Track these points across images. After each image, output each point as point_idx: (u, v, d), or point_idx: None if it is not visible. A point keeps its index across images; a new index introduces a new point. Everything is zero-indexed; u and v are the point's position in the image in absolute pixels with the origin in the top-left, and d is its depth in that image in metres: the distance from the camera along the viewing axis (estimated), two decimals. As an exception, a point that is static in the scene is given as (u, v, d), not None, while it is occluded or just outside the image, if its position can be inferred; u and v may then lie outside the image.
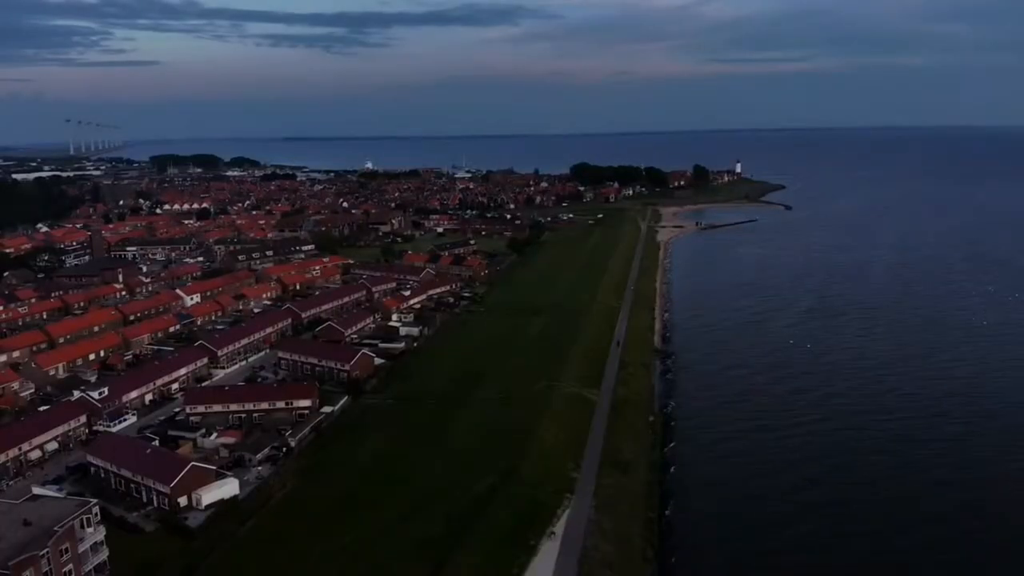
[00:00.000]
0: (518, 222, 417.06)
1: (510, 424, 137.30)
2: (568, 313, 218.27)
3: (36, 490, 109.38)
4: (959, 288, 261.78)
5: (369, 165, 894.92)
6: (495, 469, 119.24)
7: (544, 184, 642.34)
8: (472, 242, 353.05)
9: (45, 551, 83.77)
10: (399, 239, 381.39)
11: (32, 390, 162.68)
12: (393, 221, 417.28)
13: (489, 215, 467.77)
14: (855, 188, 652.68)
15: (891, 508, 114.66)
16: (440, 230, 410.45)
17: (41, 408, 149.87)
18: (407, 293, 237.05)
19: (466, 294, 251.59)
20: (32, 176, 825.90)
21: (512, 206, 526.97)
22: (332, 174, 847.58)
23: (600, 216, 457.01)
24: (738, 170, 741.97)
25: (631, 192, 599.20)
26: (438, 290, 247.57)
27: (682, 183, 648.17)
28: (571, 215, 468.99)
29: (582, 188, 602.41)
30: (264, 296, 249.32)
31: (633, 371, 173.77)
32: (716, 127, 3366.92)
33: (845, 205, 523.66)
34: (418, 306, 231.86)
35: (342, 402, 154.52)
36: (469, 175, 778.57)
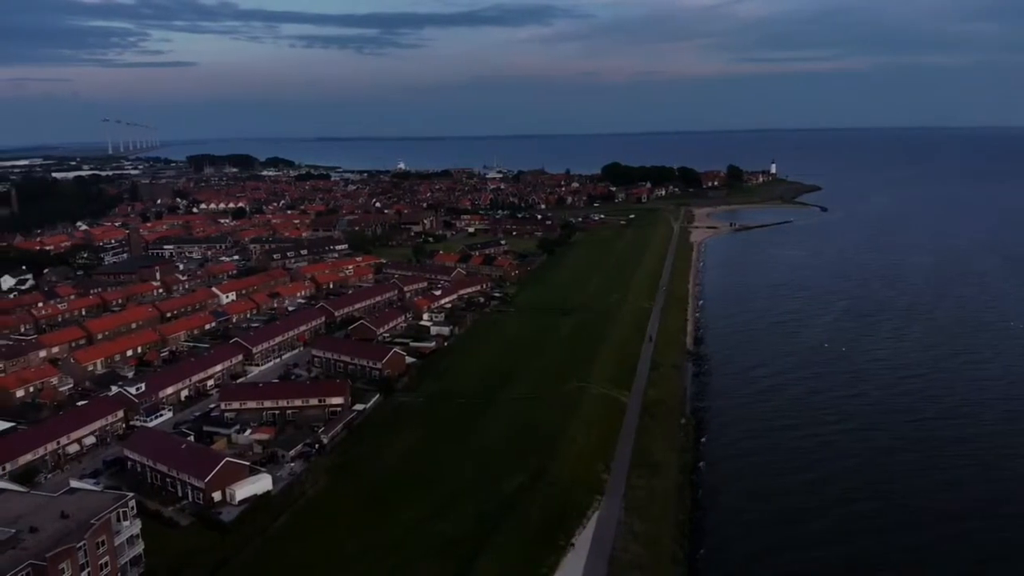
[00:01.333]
0: (549, 222, 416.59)
1: (540, 424, 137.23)
2: (599, 314, 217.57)
3: (74, 483, 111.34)
4: (996, 290, 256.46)
5: (402, 165, 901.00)
6: (525, 469, 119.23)
7: (575, 184, 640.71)
8: (503, 242, 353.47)
9: (82, 543, 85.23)
10: (431, 239, 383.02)
11: (71, 385, 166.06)
12: (425, 221, 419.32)
13: (520, 215, 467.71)
14: (890, 189, 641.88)
15: (928, 514, 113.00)
16: (471, 230, 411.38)
17: (79, 403, 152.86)
18: (438, 292, 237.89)
19: (496, 294, 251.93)
20: (72, 175, 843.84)
21: (543, 206, 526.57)
22: (365, 174, 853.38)
23: (632, 216, 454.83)
24: (773, 170, 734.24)
25: (663, 192, 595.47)
26: (469, 290, 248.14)
27: (716, 183, 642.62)
28: (602, 215, 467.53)
29: (614, 188, 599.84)
30: (298, 294, 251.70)
31: (664, 372, 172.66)
32: (748, 127, 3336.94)
33: (881, 206, 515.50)
34: (449, 305, 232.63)
35: (374, 400, 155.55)
36: (500, 175, 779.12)
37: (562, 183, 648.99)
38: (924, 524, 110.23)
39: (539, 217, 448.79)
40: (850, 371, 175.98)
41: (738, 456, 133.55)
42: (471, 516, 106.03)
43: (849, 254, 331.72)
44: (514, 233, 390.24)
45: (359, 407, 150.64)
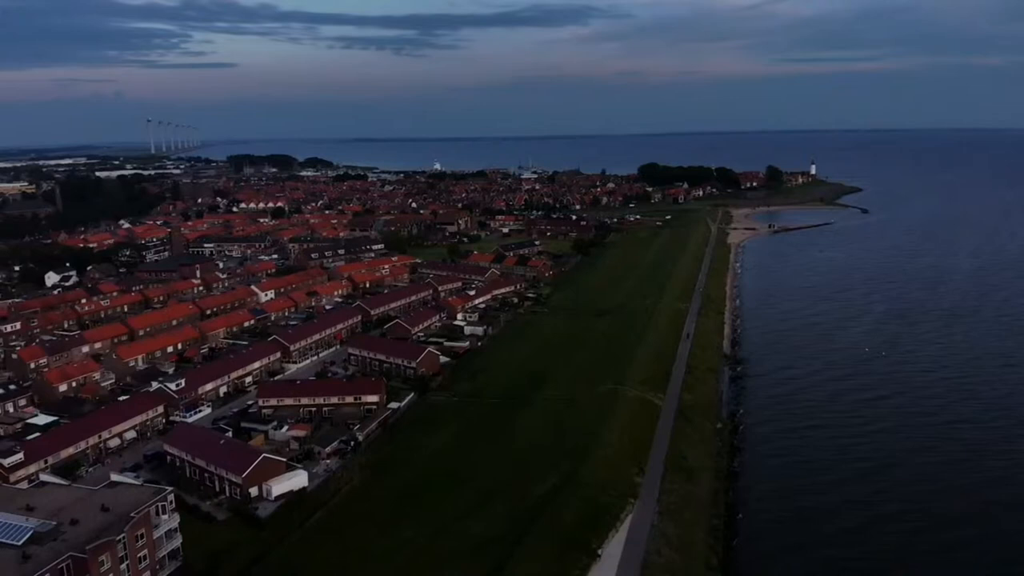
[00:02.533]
0: (584, 223, 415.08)
1: (573, 426, 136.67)
2: (634, 315, 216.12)
3: (114, 477, 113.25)
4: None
5: (437, 166, 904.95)
6: (558, 470, 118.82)
7: (611, 185, 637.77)
8: (537, 243, 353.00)
9: (122, 536, 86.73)
10: (465, 239, 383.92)
11: (113, 380, 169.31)
12: (460, 221, 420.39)
13: (555, 216, 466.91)
14: (934, 191, 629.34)
15: (964, 514, 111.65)
16: (506, 230, 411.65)
17: (121, 398, 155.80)
18: (472, 293, 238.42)
19: (530, 295, 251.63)
20: (115, 174, 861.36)
21: (578, 207, 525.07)
22: (402, 175, 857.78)
23: (668, 217, 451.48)
24: (813, 171, 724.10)
25: (701, 193, 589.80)
26: (502, 290, 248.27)
27: (754, 184, 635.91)
28: (638, 216, 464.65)
29: (650, 189, 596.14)
30: (335, 293, 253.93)
31: (700, 376, 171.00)
32: (789, 127, 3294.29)
33: (923, 208, 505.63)
34: (483, 306, 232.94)
35: (408, 398, 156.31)
36: (535, 176, 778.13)
37: (597, 183, 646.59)
38: (961, 524, 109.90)
39: (574, 218, 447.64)
40: (889, 375, 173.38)
41: (775, 461, 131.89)
42: (503, 517, 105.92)
43: (890, 257, 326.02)
44: (548, 234, 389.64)
45: (394, 405, 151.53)
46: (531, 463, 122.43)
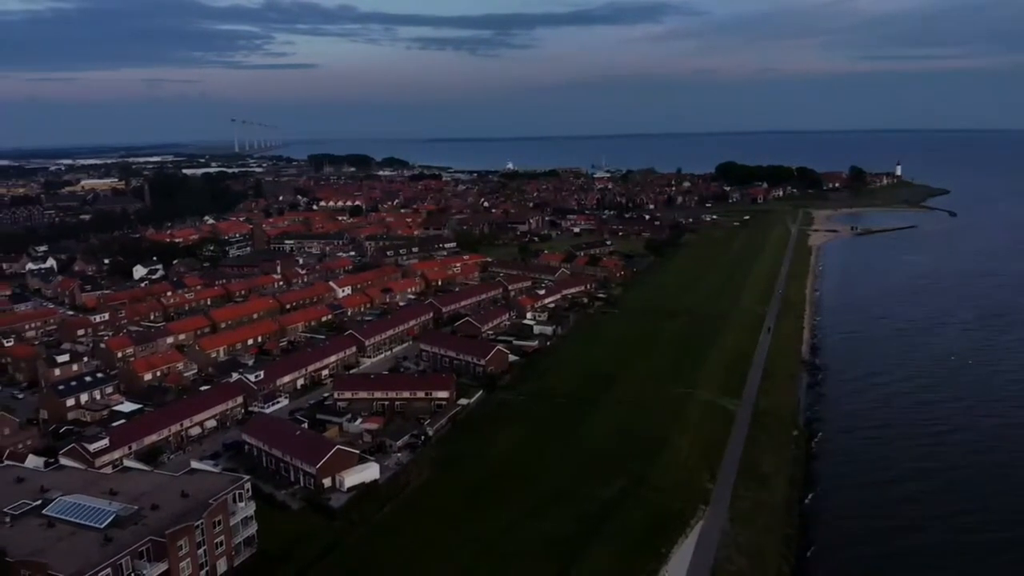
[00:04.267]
0: (657, 223, 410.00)
1: (643, 429, 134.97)
2: (708, 318, 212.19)
3: (195, 464, 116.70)
4: None
5: (510, 165, 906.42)
6: (626, 473, 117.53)
7: (686, 184, 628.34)
8: (608, 243, 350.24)
9: (200, 522, 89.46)
10: (536, 238, 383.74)
11: (195, 371, 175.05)
12: (531, 221, 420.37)
13: (627, 215, 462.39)
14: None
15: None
16: (577, 230, 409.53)
17: (202, 388, 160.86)
18: (542, 292, 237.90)
19: (601, 295, 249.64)
20: (200, 172, 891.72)
21: (652, 206, 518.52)
22: (475, 174, 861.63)
23: (746, 218, 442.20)
24: (898, 172, 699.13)
25: (781, 193, 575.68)
26: (572, 290, 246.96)
27: (837, 185, 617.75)
28: (715, 216, 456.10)
29: (727, 188, 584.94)
30: (409, 290, 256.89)
31: (778, 381, 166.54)
32: (872, 127, 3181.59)
33: (1015, 212, 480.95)
34: (552, 305, 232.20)
35: (477, 395, 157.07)
36: (608, 175, 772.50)
37: (672, 183, 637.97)
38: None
39: (647, 217, 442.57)
40: (976, 384, 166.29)
41: (852, 471, 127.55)
42: (571, 518, 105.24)
43: (979, 261, 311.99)
44: (620, 234, 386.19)
45: (463, 402, 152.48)
46: (600, 464, 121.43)
